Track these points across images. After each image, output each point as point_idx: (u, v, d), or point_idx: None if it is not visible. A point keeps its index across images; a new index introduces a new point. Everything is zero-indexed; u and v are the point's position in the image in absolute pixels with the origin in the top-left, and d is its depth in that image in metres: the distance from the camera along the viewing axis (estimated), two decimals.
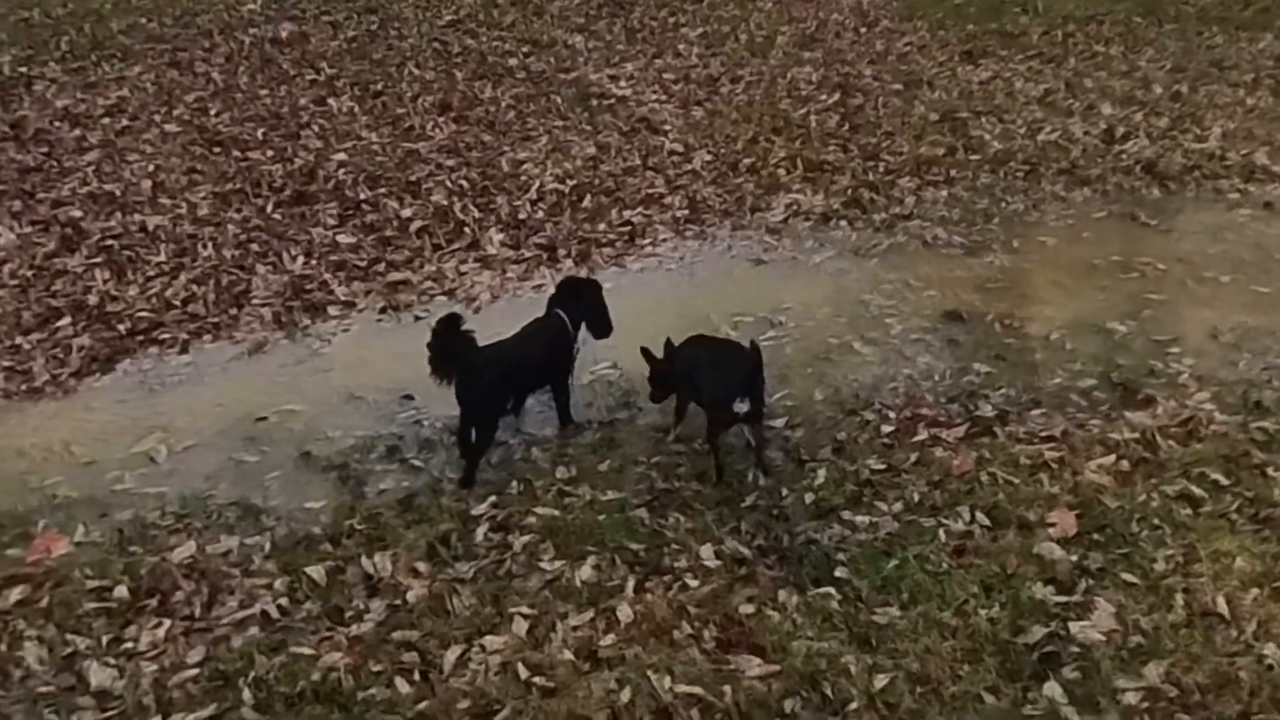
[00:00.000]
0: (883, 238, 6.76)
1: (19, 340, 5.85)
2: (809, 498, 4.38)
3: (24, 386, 5.50)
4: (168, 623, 3.90)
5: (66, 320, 6.03)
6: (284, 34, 9.79)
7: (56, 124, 8.21)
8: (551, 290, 5.23)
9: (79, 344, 5.81)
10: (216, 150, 7.92)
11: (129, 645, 3.81)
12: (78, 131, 8.07)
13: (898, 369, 5.35)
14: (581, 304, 4.97)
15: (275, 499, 4.62)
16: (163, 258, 6.63)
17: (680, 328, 5.42)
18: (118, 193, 7.29)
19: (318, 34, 10.08)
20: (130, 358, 5.76)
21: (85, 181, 7.43)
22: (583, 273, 6.47)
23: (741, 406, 4.34)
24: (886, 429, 4.82)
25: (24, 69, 9.18)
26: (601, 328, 5.01)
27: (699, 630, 3.73)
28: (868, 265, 6.45)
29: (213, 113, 8.48)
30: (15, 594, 4.10)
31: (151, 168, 7.64)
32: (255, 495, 4.63)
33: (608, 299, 5.09)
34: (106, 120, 8.29)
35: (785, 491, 4.45)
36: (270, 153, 7.91)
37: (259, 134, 8.16)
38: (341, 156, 7.86)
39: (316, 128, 8.26)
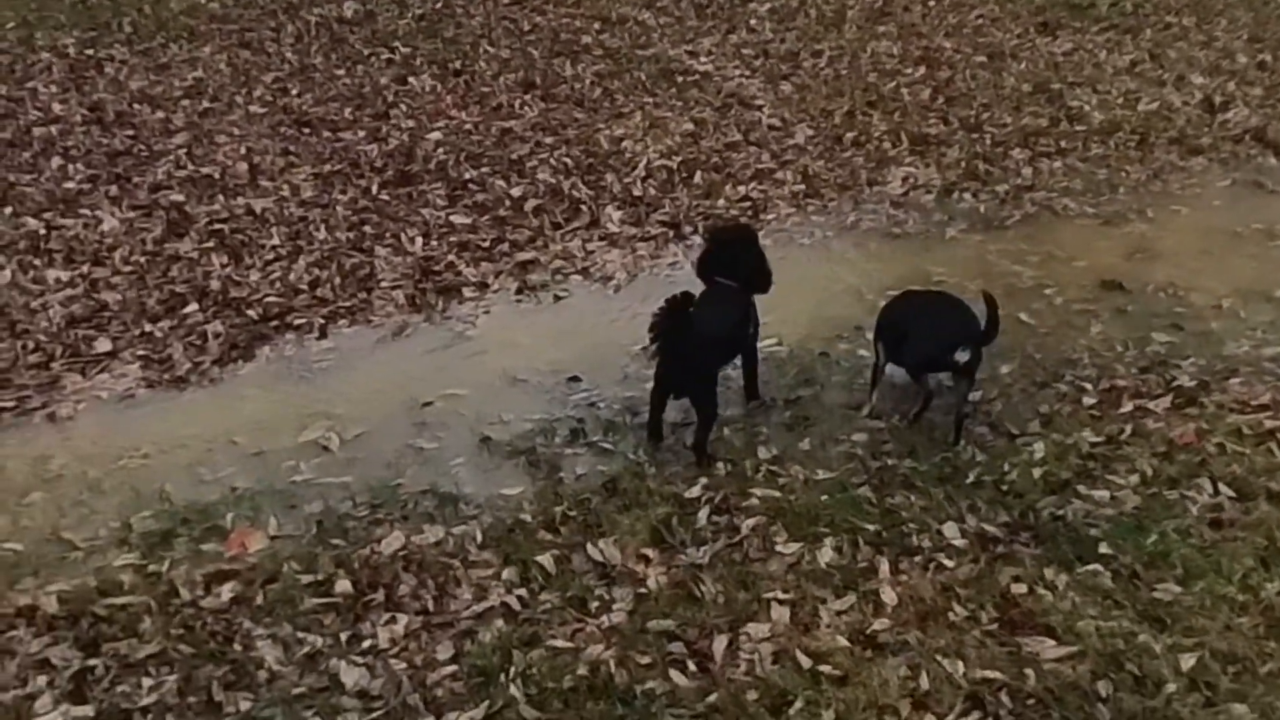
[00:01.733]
0: (1011, 209, 6.59)
1: (149, 328, 5.56)
2: (1035, 472, 4.17)
3: (166, 375, 5.23)
4: (403, 618, 3.66)
5: (193, 306, 5.75)
6: (349, 12, 9.43)
7: (135, 106, 7.87)
8: (686, 253, 5.01)
9: (213, 330, 5.53)
10: (306, 131, 7.62)
11: (369, 642, 3.56)
12: (160, 114, 7.74)
13: (1073, 340, 5.16)
14: (738, 261, 4.68)
15: (468, 486, 4.40)
16: (276, 241, 6.35)
17: (828, 304, 5.33)
18: (215, 175, 6.98)
19: (384, 12, 9.74)
20: (269, 344, 5.49)
21: (179, 165, 7.12)
22: None
23: (962, 356, 4.13)
24: (1089, 401, 4.63)
25: (90, 50, 8.80)
26: (761, 280, 4.70)
27: (974, 612, 3.53)
28: (1005, 237, 6.28)
29: (294, 93, 8.17)
30: (227, 591, 3.85)
31: (244, 149, 7.32)
32: (445, 482, 4.40)
33: None
34: (186, 102, 7.95)
35: (1006, 466, 4.24)
36: (362, 133, 7.62)
37: (346, 114, 7.86)
38: (437, 136, 7.59)
39: (404, 107, 7.95)
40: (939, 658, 3.38)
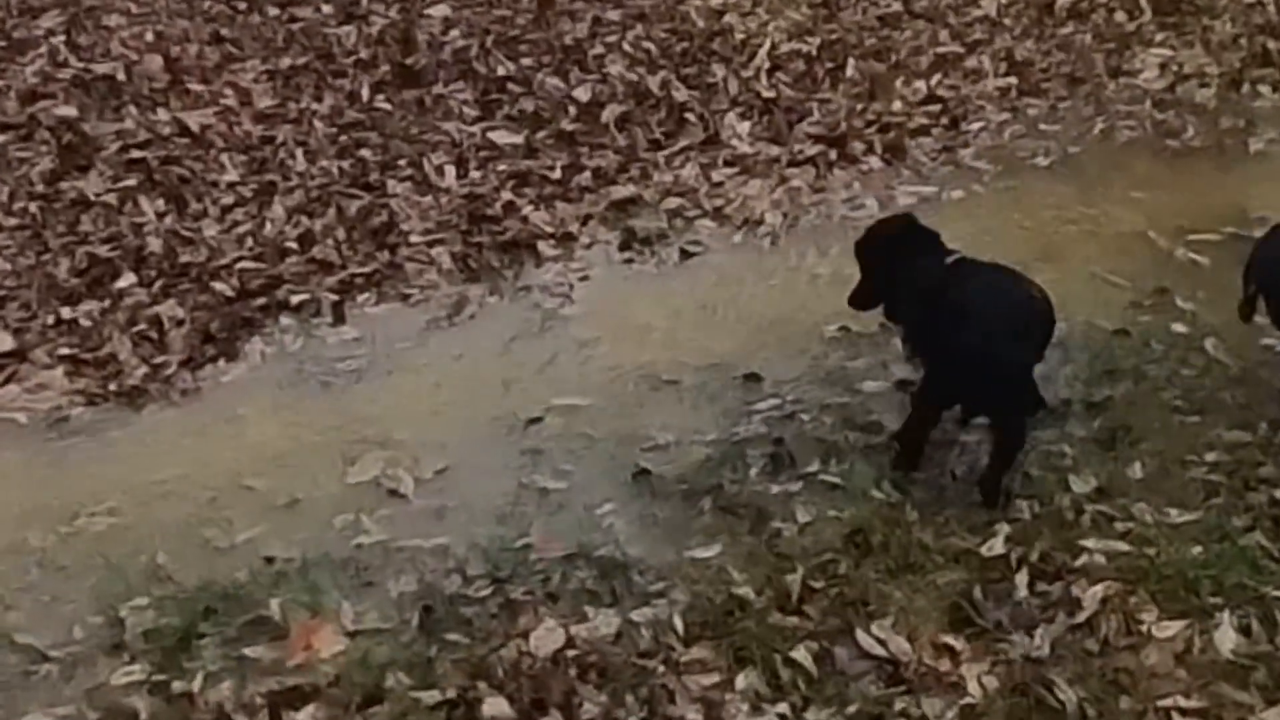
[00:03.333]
0: None
1: (67, 312, 5.42)
2: None
3: (112, 386, 5.11)
4: None
5: (130, 279, 5.63)
6: None
7: None
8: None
9: (169, 314, 5.40)
10: (241, 7, 7.53)
11: None
12: None
13: None
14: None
15: (636, 546, 4.31)
16: (233, 175, 6.24)
17: (1104, 256, 5.53)
18: (119, 77, 6.84)
19: None
20: (258, 333, 5.39)
21: (57, 60, 6.95)
22: (901, 174, 6.22)
23: None
24: None
25: None
26: None
27: None
28: None
29: None
30: (308, 717, 3.72)
31: (150, 36, 7.24)
32: (597, 542, 4.32)
33: (961, 215, 5.23)
34: None
35: None
36: (328, 8, 7.51)
37: None
38: (444, 11, 7.48)
39: None
40: None
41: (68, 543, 4.45)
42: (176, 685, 3.90)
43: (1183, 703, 3.65)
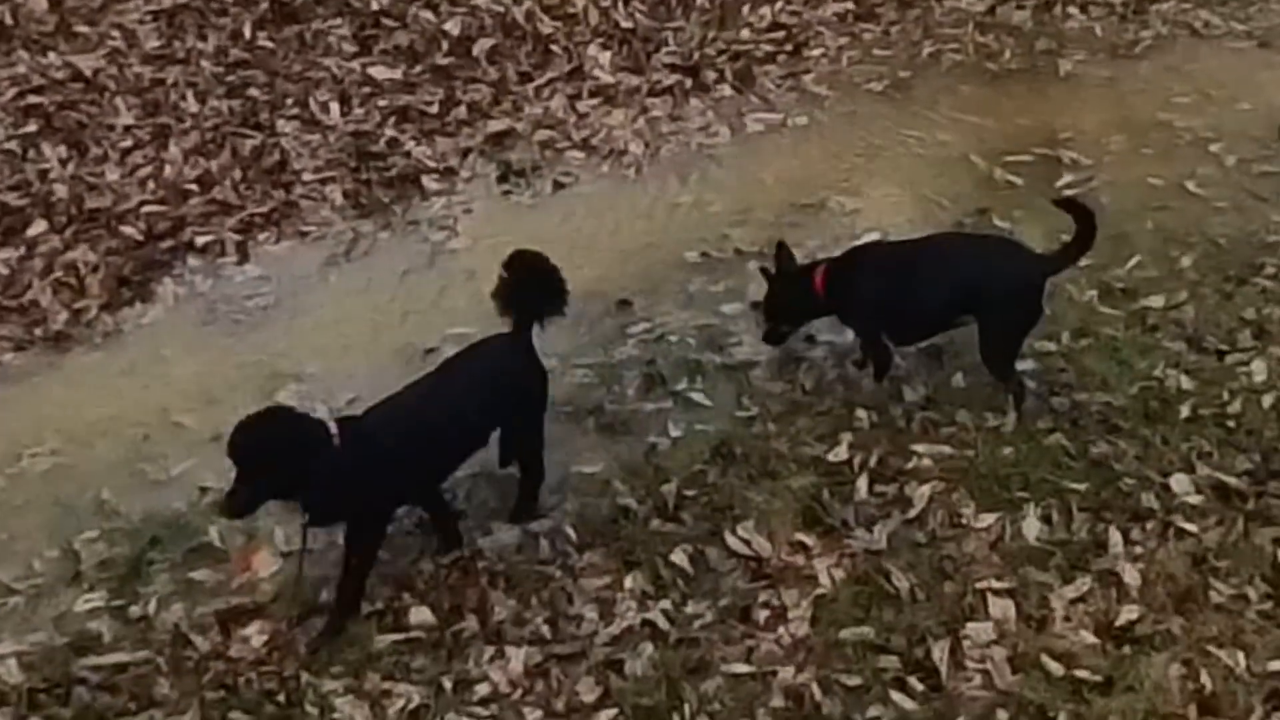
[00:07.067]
0: (1136, 30, 7.10)
1: None
2: (1265, 401, 4.80)
3: (38, 332, 5.39)
4: (516, 651, 4.06)
5: (42, 225, 5.88)
6: None
7: None
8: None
9: (83, 260, 5.68)
10: None
11: (483, 688, 3.97)
12: None
13: (1263, 216, 5.77)
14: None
15: None
16: (129, 119, 6.47)
17: (934, 179, 5.97)
18: (5, 19, 6.98)
19: None
20: (169, 274, 5.68)
21: None
22: (750, 101, 6.60)
23: None
24: None
25: None
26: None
27: (1240, 589, 4.15)
28: (1139, 71, 6.82)
29: None
30: (256, 633, 4.19)
31: None
32: (494, 461, 4.72)
33: (806, 142, 5.66)
34: None
35: (1225, 395, 4.86)
36: None
37: None
38: None
39: None
40: (1213, 649, 3.99)
41: (15, 483, 4.79)
42: (133, 610, 4.31)
43: (995, 584, 4.23)
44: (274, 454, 3.93)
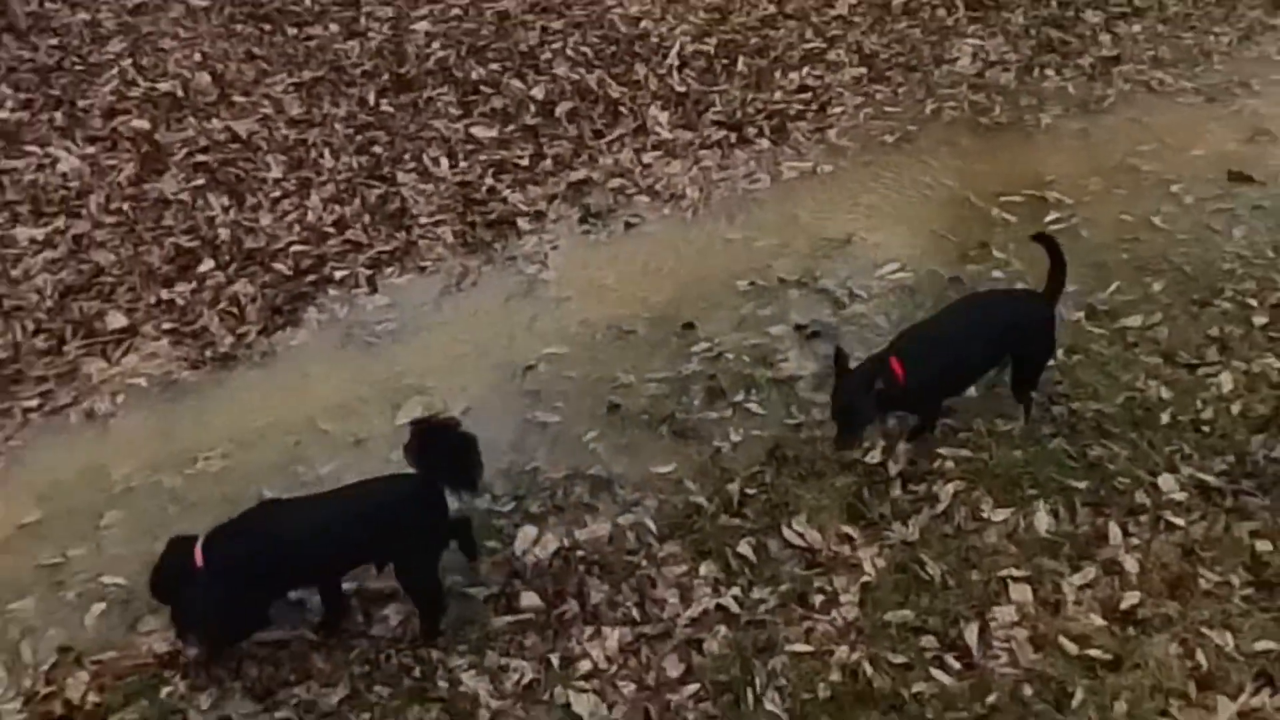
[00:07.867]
0: (1103, 88, 6.76)
1: (165, 293, 5.44)
2: (1234, 408, 4.47)
3: (207, 353, 5.17)
4: (611, 631, 3.80)
5: (209, 263, 5.62)
6: None
7: (49, 4, 7.42)
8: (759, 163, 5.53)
9: (243, 292, 5.44)
10: (267, 28, 7.33)
11: (585, 664, 3.71)
12: (82, 15, 7.32)
13: (1218, 247, 5.44)
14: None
15: (616, 466, 4.50)
16: (277, 173, 6.21)
17: (937, 216, 5.67)
18: (177, 92, 6.72)
19: None
20: (312, 304, 5.44)
21: (127, 80, 6.81)
22: (785, 152, 6.32)
23: None
24: (1260, 320, 4.93)
25: None
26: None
27: (1224, 576, 3.84)
28: (1107, 124, 6.47)
29: None
30: (394, 614, 3.94)
31: (198, 56, 7.05)
32: (586, 463, 4.53)
33: (833, 186, 5.33)
34: None
35: (1199, 403, 4.53)
36: (335, 26, 7.37)
37: (308, 1, 7.55)
38: (425, 26, 7.38)
39: None
40: (1205, 630, 3.68)
41: (190, 482, 4.56)
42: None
43: (1014, 572, 3.96)
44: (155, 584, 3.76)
